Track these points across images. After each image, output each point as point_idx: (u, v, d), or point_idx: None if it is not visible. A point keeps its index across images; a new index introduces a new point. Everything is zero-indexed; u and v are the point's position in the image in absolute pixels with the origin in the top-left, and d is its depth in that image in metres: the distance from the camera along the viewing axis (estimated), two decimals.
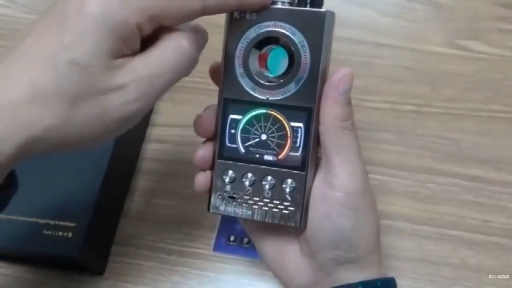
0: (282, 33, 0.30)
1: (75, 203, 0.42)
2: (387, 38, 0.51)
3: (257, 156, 0.32)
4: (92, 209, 0.41)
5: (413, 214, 0.43)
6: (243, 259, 0.43)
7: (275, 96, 0.31)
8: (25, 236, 0.41)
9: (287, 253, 0.33)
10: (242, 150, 0.32)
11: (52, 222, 0.41)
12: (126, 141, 0.46)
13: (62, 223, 0.41)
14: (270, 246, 0.34)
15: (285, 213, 0.31)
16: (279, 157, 0.31)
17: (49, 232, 0.41)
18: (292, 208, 0.31)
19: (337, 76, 0.30)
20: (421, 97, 0.48)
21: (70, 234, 0.41)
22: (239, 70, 0.31)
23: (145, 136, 0.49)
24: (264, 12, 0.30)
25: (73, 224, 0.41)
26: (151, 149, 0.49)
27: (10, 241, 0.42)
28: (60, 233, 0.41)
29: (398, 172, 0.45)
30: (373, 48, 0.51)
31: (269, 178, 0.31)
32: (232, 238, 0.43)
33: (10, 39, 0.54)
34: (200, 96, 0.49)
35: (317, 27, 0.29)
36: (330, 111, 0.30)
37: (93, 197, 0.42)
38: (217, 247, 0.43)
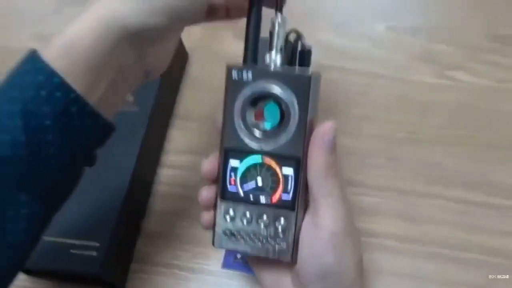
0: (275, 92, 0.33)
1: (98, 224, 0.47)
2: (381, 69, 0.55)
3: (254, 198, 0.35)
4: (114, 230, 0.46)
5: (403, 233, 0.47)
6: (248, 275, 0.47)
7: (268, 146, 0.34)
8: (54, 255, 0.46)
9: (282, 283, 0.37)
10: (241, 192, 0.35)
11: (78, 242, 0.46)
12: (143, 167, 0.51)
13: (87, 243, 0.46)
14: (267, 277, 0.38)
15: (278, 248, 0.35)
16: (273, 199, 0.35)
17: (76, 251, 0.45)
18: (284, 245, 0.35)
19: (321, 129, 0.33)
20: (411, 125, 0.52)
21: (94, 253, 0.45)
22: (237, 123, 0.35)
23: (159, 162, 0.54)
24: (258, 72, 0.34)
25: (97, 244, 0.45)
26: (165, 174, 0.53)
27: (40, 259, 0.46)
28: (86, 252, 0.45)
29: (390, 193, 0.49)
30: (367, 78, 0.55)
31: (264, 217, 0.35)
32: (238, 256, 0.47)
33: None
34: (208, 125, 0.54)
35: (304, 86, 0.33)
36: (316, 160, 0.33)
37: (114, 218, 0.46)
38: (225, 265, 0.47)
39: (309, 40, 0.54)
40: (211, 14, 0.39)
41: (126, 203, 0.48)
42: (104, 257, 0.45)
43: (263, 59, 0.36)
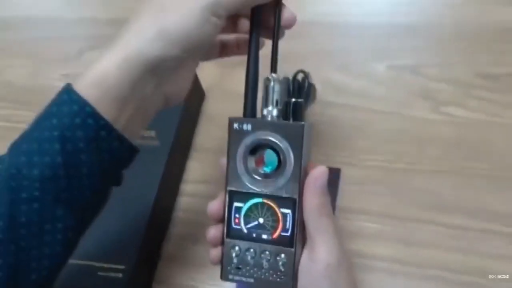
0: (272, 140, 0.37)
1: (124, 248, 0.51)
2: (380, 104, 0.59)
3: (256, 235, 0.38)
4: (138, 254, 0.50)
5: (403, 256, 0.50)
6: None
7: (268, 189, 0.38)
8: (83, 276, 0.50)
9: None
10: (245, 230, 0.39)
11: (105, 265, 0.50)
12: (164, 195, 0.55)
13: (113, 266, 0.50)
14: None
15: (279, 281, 0.38)
16: (273, 236, 0.38)
17: (103, 273, 0.50)
18: (284, 278, 0.38)
19: (314, 174, 0.37)
20: (409, 156, 0.55)
21: (120, 275, 0.49)
22: (239, 168, 0.38)
23: (179, 191, 0.58)
24: (256, 124, 0.37)
25: (122, 267, 0.49)
26: (184, 202, 0.58)
27: (71, 280, 0.50)
28: (112, 274, 0.49)
29: (390, 220, 0.52)
30: (368, 113, 0.58)
31: (266, 253, 0.38)
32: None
33: None
34: (223, 157, 0.58)
35: (297, 136, 0.37)
36: (310, 202, 0.37)
37: (138, 242, 0.50)
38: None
39: (314, 78, 0.59)
40: (223, 50, 0.45)
41: (148, 229, 0.52)
42: (128, 279, 0.49)
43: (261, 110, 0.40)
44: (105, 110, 0.36)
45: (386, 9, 0.65)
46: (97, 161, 0.36)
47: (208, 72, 0.64)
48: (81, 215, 0.38)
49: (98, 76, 0.36)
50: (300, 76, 0.58)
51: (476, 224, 0.51)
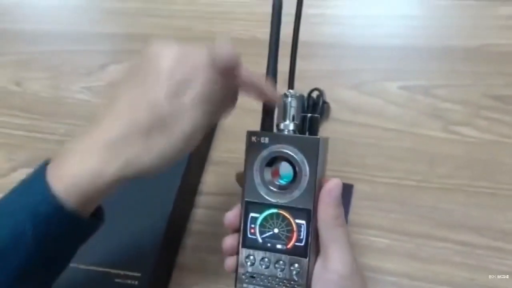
0: (288, 153, 0.38)
1: (140, 256, 0.52)
2: (392, 123, 0.60)
3: (271, 245, 0.40)
4: (154, 262, 0.52)
5: (412, 271, 0.52)
6: None
7: (283, 200, 0.39)
8: (100, 283, 0.52)
9: None
10: (260, 240, 0.40)
11: (122, 272, 0.52)
12: (180, 206, 0.57)
13: (130, 273, 0.52)
14: None
15: None
16: (288, 246, 0.39)
17: (119, 280, 0.51)
18: (298, 287, 0.39)
19: (329, 186, 0.38)
20: (420, 174, 0.56)
21: (136, 282, 0.51)
22: (256, 179, 0.39)
23: (194, 203, 0.60)
24: (273, 137, 0.39)
25: (139, 274, 0.51)
26: (199, 213, 0.59)
27: (89, 287, 0.52)
28: (129, 281, 0.51)
29: (400, 236, 0.54)
30: (380, 131, 0.60)
31: (281, 262, 0.39)
32: None
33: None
34: (238, 169, 0.60)
35: (313, 149, 0.38)
36: (324, 213, 0.38)
37: (155, 252, 0.52)
38: None
39: (328, 97, 0.61)
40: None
41: (165, 239, 0.53)
42: (144, 286, 0.51)
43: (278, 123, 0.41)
44: (72, 202, 0.35)
45: (399, 31, 0.67)
46: (47, 241, 0.36)
47: None
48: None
49: (71, 177, 0.35)
50: (315, 94, 0.60)
51: (483, 241, 0.52)
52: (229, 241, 0.42)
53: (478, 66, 0.62)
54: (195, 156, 0.60)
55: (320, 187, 0.39)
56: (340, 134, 0.61)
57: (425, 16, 0.67)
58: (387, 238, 0.54)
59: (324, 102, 0.60)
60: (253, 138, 0.40)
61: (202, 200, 0.60)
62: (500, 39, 0.63)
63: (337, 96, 0.63)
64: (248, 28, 0.71)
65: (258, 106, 0.63)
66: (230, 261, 0.42)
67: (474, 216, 0.54)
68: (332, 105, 0.61)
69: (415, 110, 0.61)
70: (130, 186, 0.57)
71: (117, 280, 0.52)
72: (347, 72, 0.65)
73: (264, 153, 0.39)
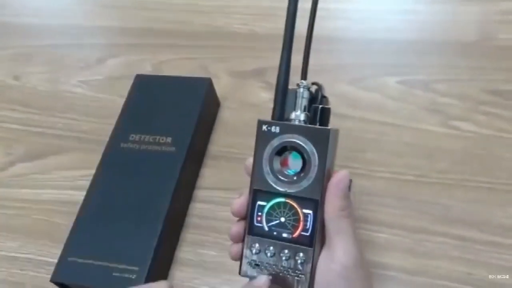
0: (298, 143, 0.38)
1: (138, 250, 0.52)
2: (391, 118, 0.60)
3: (277, 234, 0.39)
4: (151, 256, 0.51)
5: (411, 266, 0.51)
6: None
7: (291, 189, 0.39)
8: (99, 276, 0.51)
9: None
10: (266, 228, 0.40)
11: (120, 266, 0.52)
12: (178, 200, 0.57)
13: (127, 267, 0.51)
14: None
15: (297, 279, 0.39)
16: (294, 235, 0.39)
17: (118, 274, 0.51)
18: (302, 276, 0.39)
19: (337, 177, 0.38)
20: (419, 169, 0.57)
21: (134, 276, 0.51)
22: (265, 168, 0.39)
23: (192, 197, 0.60)
24: (284, 127, 0.39)
25: (136, 268, 0.51)
26: (197, 207, 0.59)
27: (87, 280, 0.52)
28: (126, 275, 0.51)
29: (399, 231, 0.53)
30: (379, 126, 0.60)
31: (286, 251, 0.39)
32: None
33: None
34: (236, 164, 0.59)
35: (323, 140, 0.38)
36: (332, 204, 0.38)
37: (152, 246, 0.52)
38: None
39: (327, 91, 0.61)
40: None
41: (162, 232, 0.53)
42: (142, 280, 0.50)
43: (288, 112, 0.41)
44: None
45: (398, 26, 0.67)
46: None
47: (224, 82, 0.65)
48: None
49: None
50: (313, 88, 0.60)
51: (482, 236, 0.52)
52: (235, 228, 0.41)
53: (477, 61, 0.62)
54: (193, 150, 0.60)
55: (329, 178, 0.39)
56: (339, 129, 0.60)
57: (425, 11, 0.67)
58: (385, 233, 0.54)
59: (323, 97, 0.59)
60: (264, 127, 0.40)
61: (200, 194, 0.60)
62: (499, 34, 0.63)
63: (336, 91, 0.63)
64: (246, 22, 0.70)
65: (257, 101, 0.63)
66: (235, 249, 0.42)
67: (473, 211, 0.54)
68: (331, 100, 0.60)
69: (414, 105, 0.61)
70: (128, 180, 0.58)
71: (115, 274, 0.51)
72: (346, 67, 0.65)
73: (274, 142, 0.39)
